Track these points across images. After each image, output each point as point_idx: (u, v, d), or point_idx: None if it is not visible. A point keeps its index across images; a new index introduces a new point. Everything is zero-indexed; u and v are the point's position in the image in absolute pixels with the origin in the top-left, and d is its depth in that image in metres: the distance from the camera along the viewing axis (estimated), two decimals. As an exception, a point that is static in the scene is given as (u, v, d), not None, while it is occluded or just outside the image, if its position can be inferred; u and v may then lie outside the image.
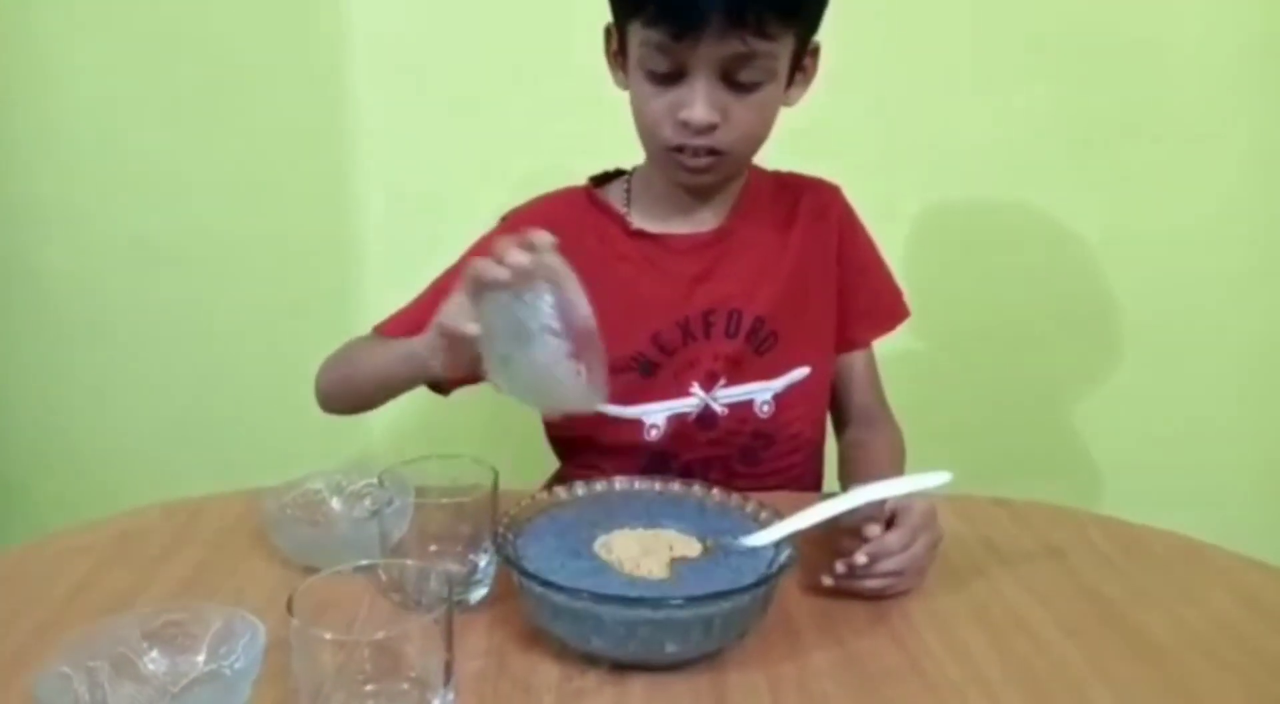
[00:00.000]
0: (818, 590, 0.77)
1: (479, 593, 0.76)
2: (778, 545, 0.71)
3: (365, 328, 1.00)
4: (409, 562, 0.66)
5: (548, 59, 1.42)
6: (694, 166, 0.89)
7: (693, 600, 0.63)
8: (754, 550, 0.71)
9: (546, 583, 0.64)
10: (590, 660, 0.68)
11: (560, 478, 1.06)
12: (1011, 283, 1.55)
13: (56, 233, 1.52)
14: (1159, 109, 1.48)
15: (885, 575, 0.75)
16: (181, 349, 1.56)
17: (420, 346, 0.81)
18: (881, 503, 0.77)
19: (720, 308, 0.96)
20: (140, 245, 1.52)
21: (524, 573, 0.66)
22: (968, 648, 0.72)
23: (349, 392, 0.97)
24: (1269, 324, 1.58)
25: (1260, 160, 1.51)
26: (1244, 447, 1.62)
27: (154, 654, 0.63)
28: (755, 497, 0.78)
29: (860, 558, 0.73)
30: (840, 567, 0.75)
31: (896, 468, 0.95)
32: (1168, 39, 1.45)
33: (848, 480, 0.95)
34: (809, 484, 1.03)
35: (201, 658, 0.62)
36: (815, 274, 1.00)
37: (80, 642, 0.61)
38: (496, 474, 0.76)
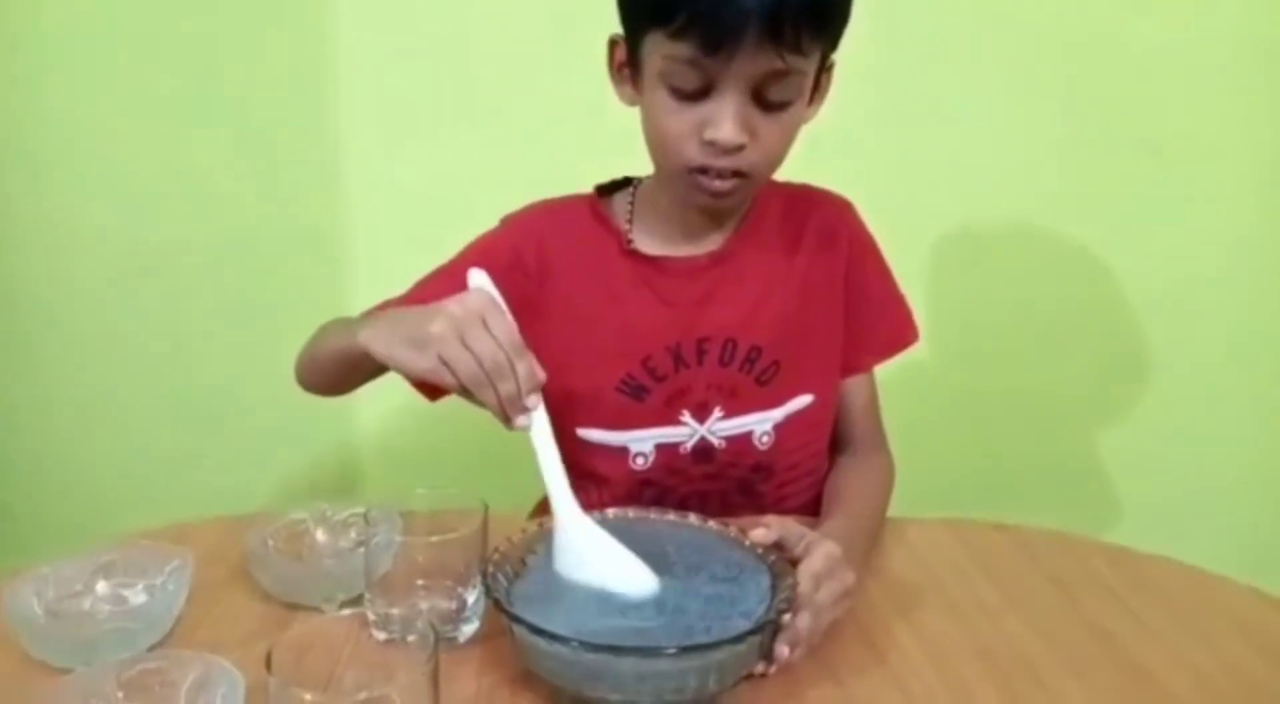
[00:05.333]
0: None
1: (468, 630, 0.74)
2: (775, 587, 0.69)
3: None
4: (394, 610, 0.64)
5: (544, 59, 1.39)
6: (716, 190, 0.85)
7: (687, 650, 0.61)
8: (749, 592, 0.69)
9: (536, 629, 0.62)
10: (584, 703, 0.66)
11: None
12: (1017, 299, 1.53)
13: (29, 245, 1.47)
14: (1170, 121, 1.46)
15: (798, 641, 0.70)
16: (163, 362, 1.52)
17: (374, 352, 0.76)
18: (801, 535, 0.74)
19: (715, 335, 0.93)
20: (119, 255, 1.47)
21: (513, 617, 0.63)
22: (971, 691, 0.70)
23: (314, 373, 0.94)
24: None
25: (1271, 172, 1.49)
26: (1260, 466, 1.59)
27: (129, 707, 0.61)
28: (750, 529, 0.76)
29: (784, 651, 0.68)
30: (773, 668, 0.69)
31: (873, 499, 0.93)
32: (1175, 49, 1.43)
33: (824, 507, 0.92)
34: (810, 514, 0.99)
35: (177, 715, 0.60)
36: (821, 298, 0.97)
37: (53, 694, 0.59)
38: (486, 508, 0.74)
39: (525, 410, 0.72)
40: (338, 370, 0.90)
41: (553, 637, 0.61)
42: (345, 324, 0.90)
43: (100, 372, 1.52)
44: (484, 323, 0.70)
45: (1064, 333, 1.55)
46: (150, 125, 1.42)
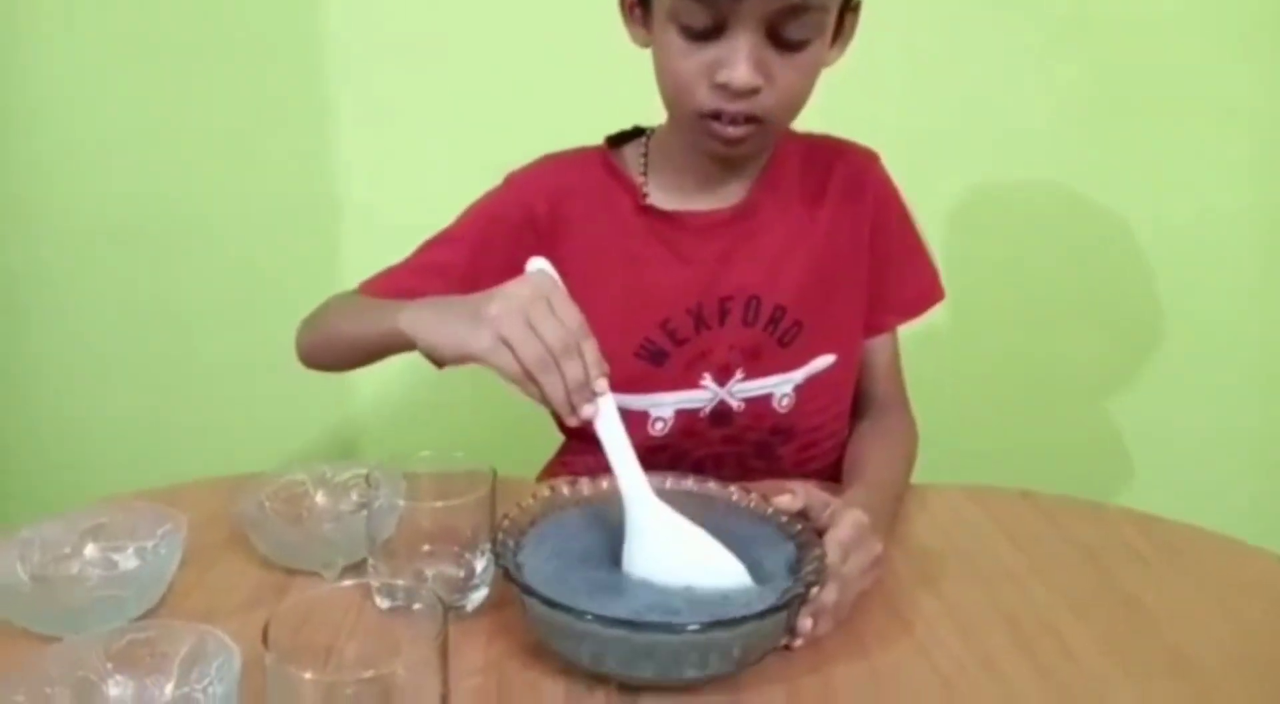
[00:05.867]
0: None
1: (477, 597, 0.71)
2: (801, 561, 0.65)
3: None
4: (399, 582, 0.60)
5: (542, 18, 1.34)
6: (730, 136, 0.79)
7: (710, 626, 0.57)
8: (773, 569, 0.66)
9: (551, 603, 0.58)
10: (598, 678, 0.62)
11: (561, 463, 1.00)
12: (1041, 263, 1.48)
13: (9, 211, 1.42)
14: (1194, 85, 1.41)
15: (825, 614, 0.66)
16: (150, 332, 1.47)
17: (417, 337, 0.73)
18: (826, 503, 0.71)
19: (738, 295, 0.88)
20: (102, 222, 1.42)
21: (526, 590, 0.60)
22: (999, 663, 0.67)
23: (328, 352, 0.90)
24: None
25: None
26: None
27: (119, 678, 0.57)
28: (773, 495, 0.72)
29: (808, 624, 0.64)
30: (798, 641, 0.65)
31: (897, 465, 0.89)
32: (1198, 11, 1.38)
33: (845, 474, 0.88)
34: (831, 479, 0.95)
35: (171, 683, 0.57)
36: (845, 255, 0.92)
37: (36, 665, 0.55)
38: (495, 473, 0.70)
39: (593, 396, 0.66)
40: (360, 354, 0.85)
41: (568, 610, 0.58)
42: (364, 307, 0.86)
43: (91, 338, 1.48)
44: (549, 304, 0.65)
45: (1082, 295, 1.50)
46: (133, 89, 1.37)
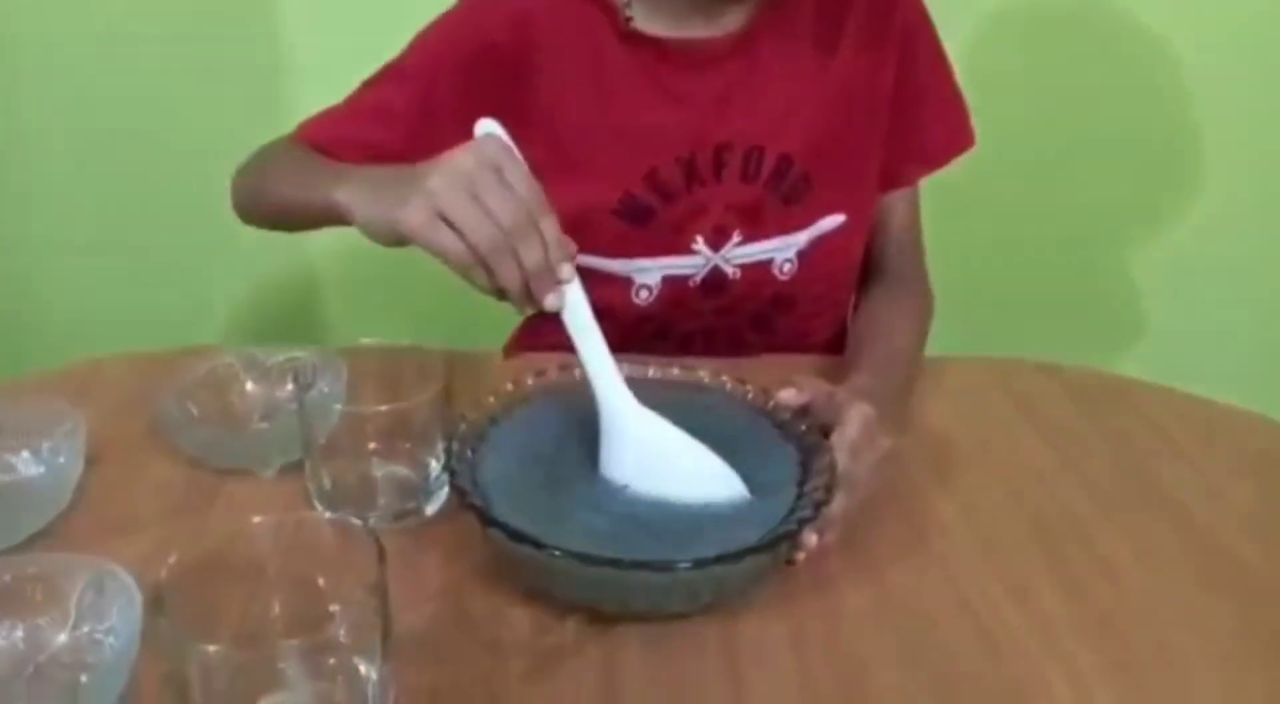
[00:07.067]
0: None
1: (436, 501, 0.62)
2: (804, 477, 0.56)
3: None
4: (343, 480, 0.51)
5: None
6: None
7: (704, 563, 0.48)
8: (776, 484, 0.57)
9: (519, 536, 0.49)
10: (571, 607, 0.54)
11: (532, 332, 0.89)
12: (1068, 89, 1.32)
13: None
14: None
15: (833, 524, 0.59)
16: (75, 162, 1.30)
17: (354, 212, 0.61)
18: (831, 395, 0.61)
19: (737, 142, 0.76)
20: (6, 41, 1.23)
21: (489, 521, 0.51)
22: (1027, 583, 0.59)
23: (264, 214, 0.78)
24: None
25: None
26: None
27: (5, 622, 0.49)
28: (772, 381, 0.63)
29: (813, 539, 0.56)
30: (801, 555, 0.58)
31: (907, 348, 0.78)
32: None
33: (850, 350, 0.79)
34: (833, 352, 0.85)
35: (64, 634, 0.48)
36: (864, 97, 0.79)
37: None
38: (447, 366, 0.60)
39: (557, 284, 0.55)
40: (298, 222, 0.73)
41: (540, 545, 0.49)
42: (304, 168, 0.72)
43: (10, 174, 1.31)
44: (499, 173, 0.53)
45: (1120, 128, 1.34)
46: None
